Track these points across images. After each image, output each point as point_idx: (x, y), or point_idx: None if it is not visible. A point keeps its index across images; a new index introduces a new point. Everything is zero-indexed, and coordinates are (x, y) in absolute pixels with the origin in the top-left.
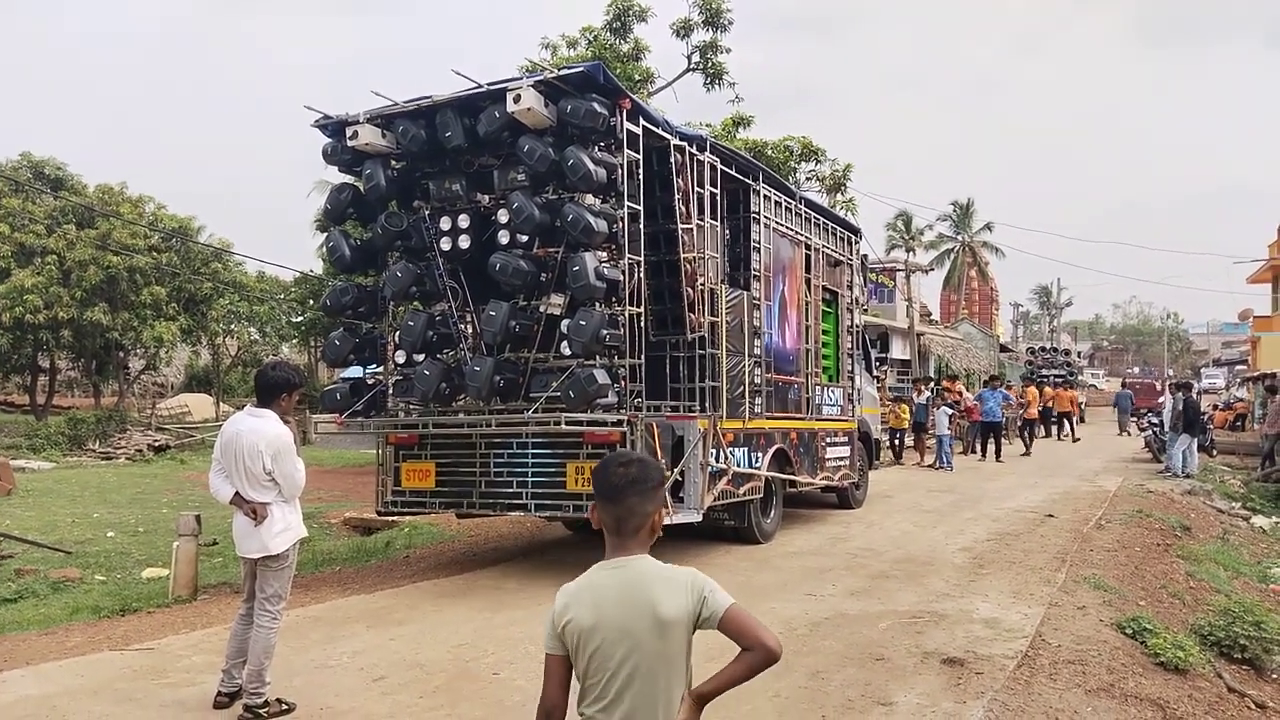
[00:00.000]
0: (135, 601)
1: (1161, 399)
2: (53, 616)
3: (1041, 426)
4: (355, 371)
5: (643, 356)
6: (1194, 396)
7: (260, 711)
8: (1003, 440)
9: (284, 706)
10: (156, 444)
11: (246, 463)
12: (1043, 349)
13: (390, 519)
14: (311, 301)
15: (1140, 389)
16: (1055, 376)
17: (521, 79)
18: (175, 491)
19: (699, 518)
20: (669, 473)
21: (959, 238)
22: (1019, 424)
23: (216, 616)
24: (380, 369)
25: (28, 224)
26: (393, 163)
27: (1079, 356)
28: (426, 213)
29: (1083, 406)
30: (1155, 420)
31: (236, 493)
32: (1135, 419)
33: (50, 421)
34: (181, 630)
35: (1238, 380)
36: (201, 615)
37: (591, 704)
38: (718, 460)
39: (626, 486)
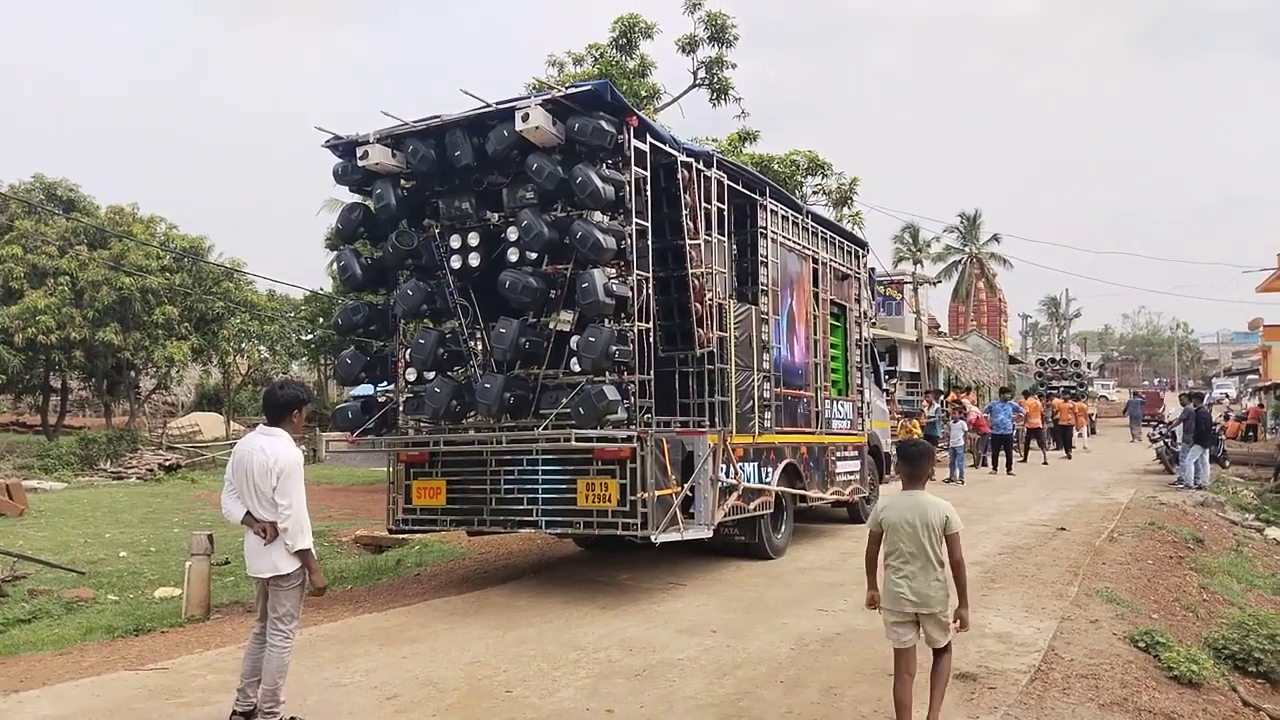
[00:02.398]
0: (148, 621)
1: (1162, 408)
2: (67, 636)
3: (1052, 440)
4: (366, 389)
5: (652, 372)
6: (1205, 408)
7: None
8: (1014, 453)
9: None
10: (167, 463)
11: (257, 482)
12: (1052, 360)
13: (401, 537)
14: (321, 319)
15: (1146, 398)
16: (1065, 388)
17: (529, 98)
18: (186, 511)
19: (710, 533)
20: (680, 488)
21: (966, 249)
22: (1024, 435)
23: (230, 636)
24: (391, 387)
25: (40, 245)
26: (403, 182)
27: (1089, 367)
28: (436, 231)
29: (1093, 418)
30: (1166, 431)
31: (248, 512)
32: (1148, 425)
33: (62, 441)
34: (195, 650)
35: (1249, 390)
36: (215, 634)
37: (890, 559)
38: (728, 475)
39: (919, 457)
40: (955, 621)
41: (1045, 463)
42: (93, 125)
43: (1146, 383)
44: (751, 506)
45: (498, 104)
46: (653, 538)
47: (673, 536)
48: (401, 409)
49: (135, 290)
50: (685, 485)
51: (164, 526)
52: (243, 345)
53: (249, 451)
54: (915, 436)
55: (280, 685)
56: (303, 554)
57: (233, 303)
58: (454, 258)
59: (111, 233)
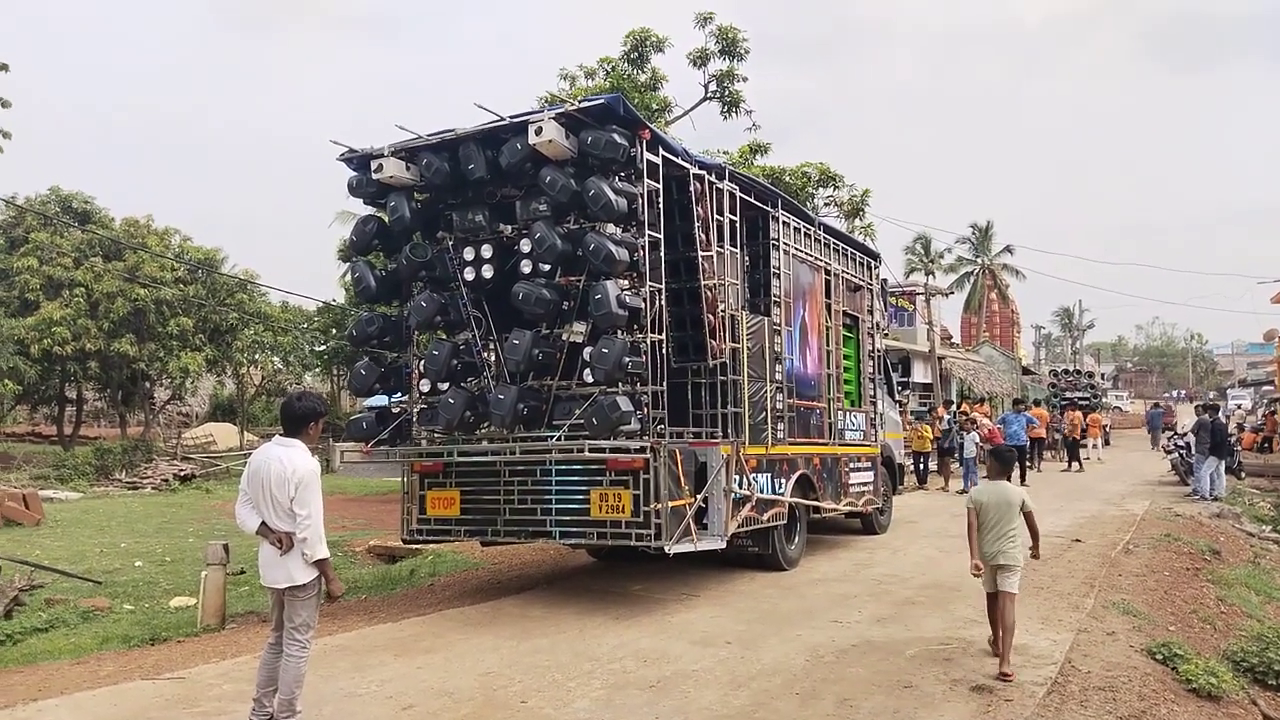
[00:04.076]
0: (164, 631)
1: (1174, 418)
2: (84, 646)
3: (1065, 452)
4: (380, 400)
5: (665, 383)
6: (1221, 419)
7: None
8: (1028, 465)
9: None
10: (182, 473)
11: (274, 492)
12: (1066, 371)
13: (415, 547)
14: (334, 331)
15: (1165, 409)
16: (1079, 399)
17: (542, 111)
18: (201, 521)
19: (723, 544)
20: (693, 499)
21: (978, 260)
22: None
23: (245, 645)
24: (405, 398)
25: (56, 257)
26: (416, 195)
27: (1103, 378)
28: (450, 243)
29: (1107, 429)
30: (1181, 443)
31: (263, 523)
32: (1167, 434)
33: (77, 452)
34: (212, 659)
35: (1265, 401)
36: (231, 644)
37: (984, 532)
38: (741, 486)
39: (1009, 460)
40: (1033, 553)
41: (1039, 470)
42: (107, 139)
43: (1166, 395)
44: (765, 518)
45: (511, 117)
46: (666, 548)
47: (686, 547)
48: (416, 420)
49: (150, 301)
50: (698, 496)
51: (179, 536)
52: (256, 356)
53: (266, 462)
54: (926, 439)
55: (297, 695)
56: (321, 564)
57: (246, 314)
58: (467, 270)
59: (126, 245)
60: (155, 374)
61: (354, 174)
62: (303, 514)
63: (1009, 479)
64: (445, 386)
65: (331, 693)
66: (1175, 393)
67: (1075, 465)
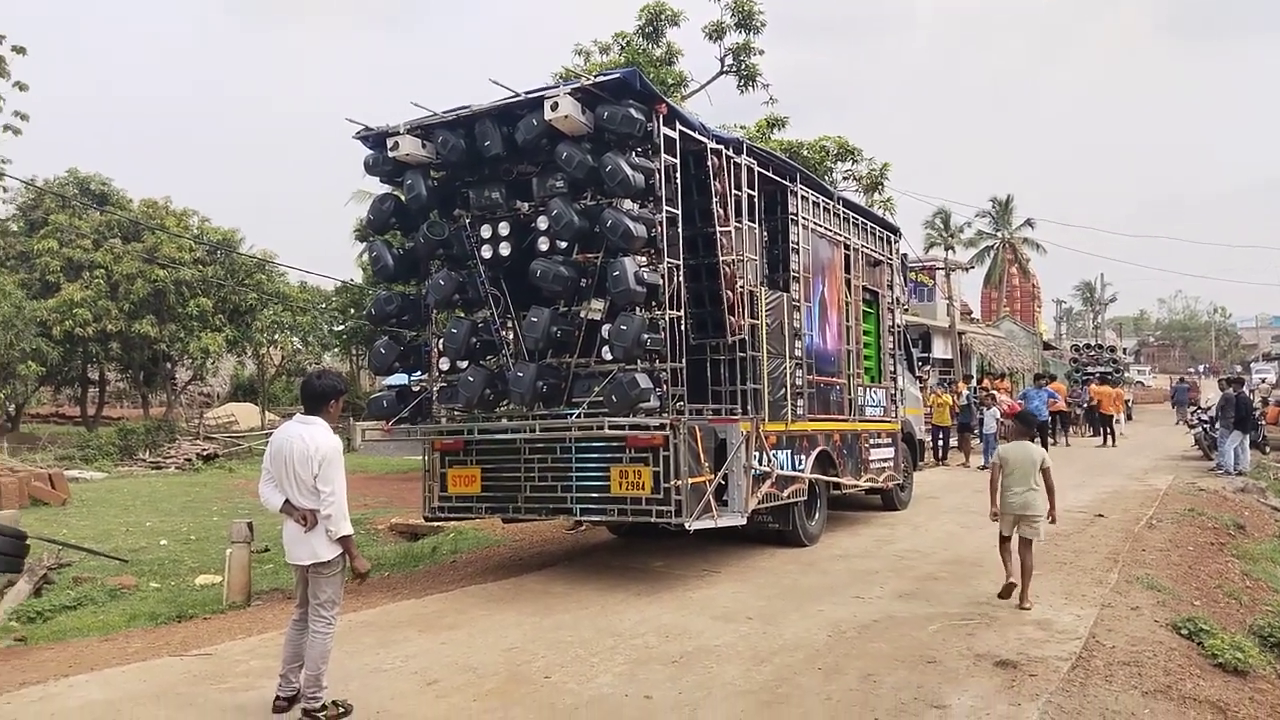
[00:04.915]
0: (191, 608)
1: (1198, 393)
2: (112, 623)
3: (1089, 426)
4: (400, 379)
5: (684, 360)
6: (1245, 393)
7: (319, 714)
8: (1049, 439)
9: (341, 709)
10: (205, 453)
11: (297, 470)
12: (1087, 346)
13: (436, 524)
14: (353, 310)
15: (1190, 384)
16: (1101, 374)
17: (558, 87)
18: (224, 499)
19: (743, 521)
20: (713, 476)
21: (999, 235)
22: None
23: (271, 622)
24: (425, 376)
25: (75, 239)
26: (433, 172)
27: (1124, 353)
28: (467, 221)
29: (1129, 404)
30: (1205, 418)
31: (287, 500)
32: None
33: (101, 432)
34: (238, 636)
35: None
36: (256, 621)
37: (1009, 485)
38: (761, 463)
39: (1030, 423)
40: (1049, 518)
41: (1067, 445)
42: (125, 124)
43: (1191, 370)
44: (785, 494)
45: (527, 93)
46: (686, 525)
47: (706, 524)
48: (435, 398)
49: (169, 283)
50: (718, 473)
51: (203, 515)
52: (276, 336)
53: (288, 439)
54: (946, 409)
55: (323, 671)
56: (344, 540)
57: (265, 294)
58: (485, 247)
59: (145, 225)
60: (176, 354)
61: (370, 152)
62: (326, 491)
63: (1031, 440)
64: (464, 364)
65: (357, 668)
66: (1199, 367)
67: (1110, 441)
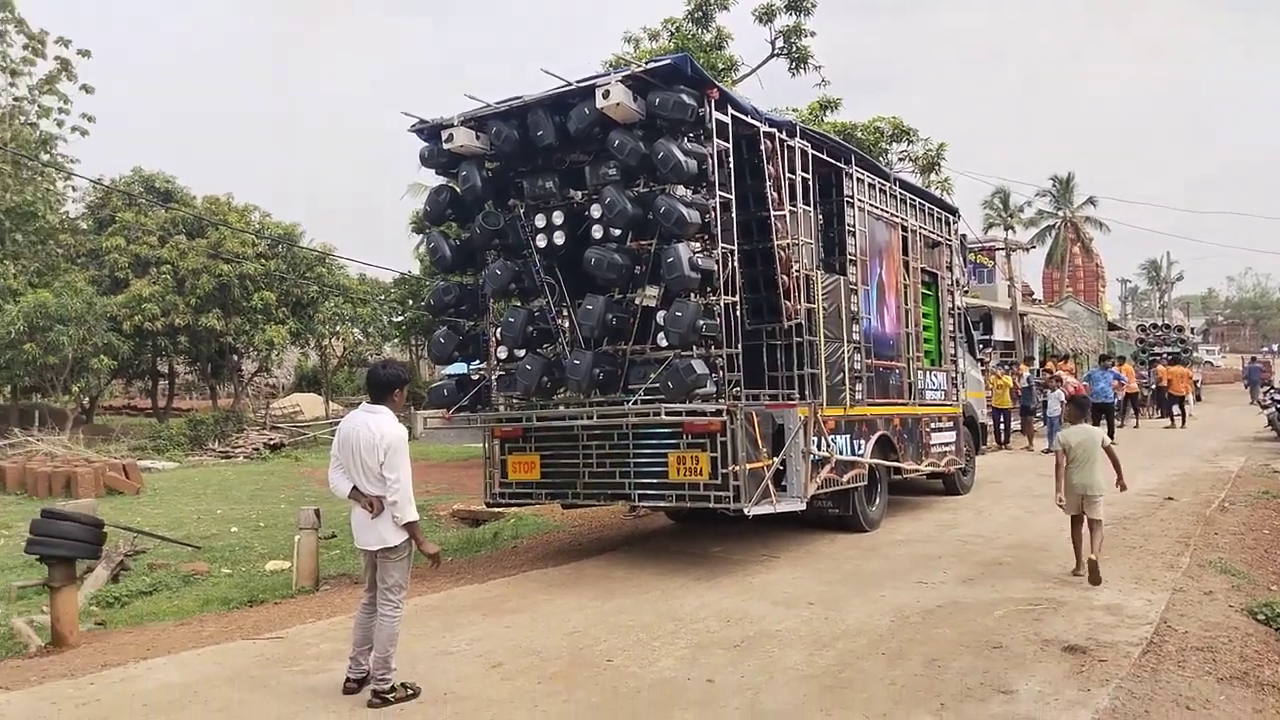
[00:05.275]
0: (262, 593)
1: (1271, 373)
2: (186, 608)
3: (1158, 408)
4: (459, 368)
5: (740, 345)
6: None
7: (388, 696)
8: (1115, 422)
9: (409, 691)
10: (271, 442)
11: (364, 457)
12: (1153, 326)
13: (496, 510)
14: (411, 301)
15: (1260, 363)
16: (1168, 354)
17: (609, 75)
18: (292, 487)
19: (802, 506)
20: (771, 461)
21: (1060, 213)
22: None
23: (339, 606)
24: (483, 365)
25: (142, 236)
26: (487, 163)
27: (1192, 333)
28: (521, 211)
29: (1198, 384)
30: (1278, 397)
31: (354, 487)
32: (1264, 388)
33: (171, 423)
34: (308, 620)
35: None
36: (325, 605)
37: (1072, 466)
38: (819, 448)
39: (1085, 406)
40: (1118, 486)
41: (1136, 426)
42: (186, 120)
43: (1265, 349)
44: (844, 479)
45: (578, 82)
46: (745, 510)
47: (765, 509)
48: (494, 386)
49: (234, 277)
50: (777, 458)
51: (271, 503)
52: (337, 328)
53: (354, 428)
54: (1006, 390)
55: (391, 653)
56: (410, 526)
57: (326, 287)
58: (539, 236)
59: (209, 221)
60: (242, 347)
61: (425, 145)
62: (392, 478)
63: (1086, 421)
64: (522, 353)
65: (424, 651)
66: (1273, 346)
67: (1180, 423)
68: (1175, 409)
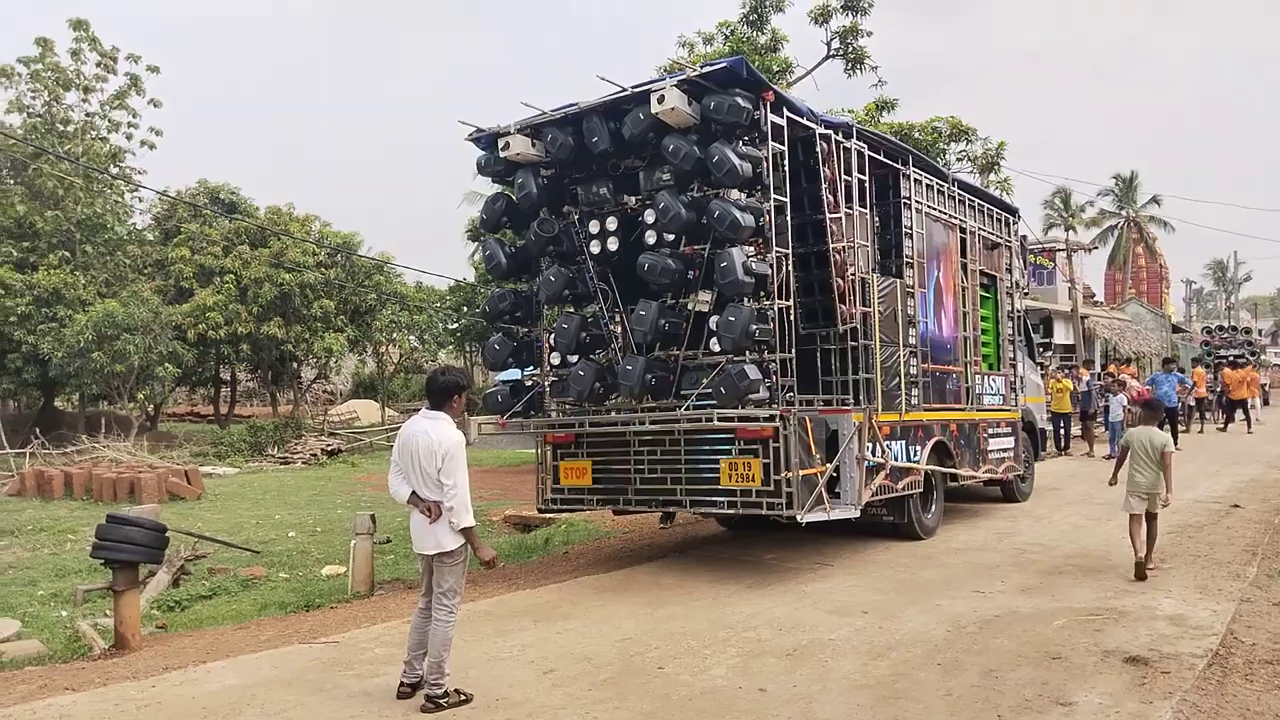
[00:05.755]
0: (318, 597)
1: None
2: (244, 612)
3: (1223, 413)
4: (513, 374)
5: (793, 350)
6: None
7: (441, 701)
8: (1179, 427)
9: (462, 697)
10: (329, 448)
11: (423, 463)
12: (1220, 328)
13: (548, 516)
14: (465, 308)
15: None
16: (1235, 357)
17: (664, 79)
18: (348, 493)
19: (857, 513)
20: (825, 468)
21: (1123, 213)
22: (1189, 405)
23: (394, 611)
24: (537, 371)
25: (206, 246)
26: (542, 170)
27: (1260, 334)
28: (576, 217)
29: (1266, 388)
30: None
31: (413, 492)
32: None
33: (233, 430)
34: (363, 624)
35: None
36: (380, 610)
37: (1133, 462)
38: (874, 454)
39: (1156, 409)
40: (1164, 501)
41: (1201, 431)
42: (249, 133)
43: None
44: (900, 486)
45: (633, 88)
46: (799, 517)
47: (819, 516)
48: (547, 392)
49: (294, 286)
50: (830, 465)
51: (328, 508)
52: (394, 335)
53: (414, 434)
54: (1065, 394)
55: (445, 658)
56: (466, 531)
57: (383, 294)
58: (593, 243)
59: (271, 231)
60: (302, 354)
61: (482, 153)
62: (449, 484)
63: (1155, 425)
64: (575, 359)
65: (477, 656)
66: None
67: (1246, 426)
68: (1238, 413)
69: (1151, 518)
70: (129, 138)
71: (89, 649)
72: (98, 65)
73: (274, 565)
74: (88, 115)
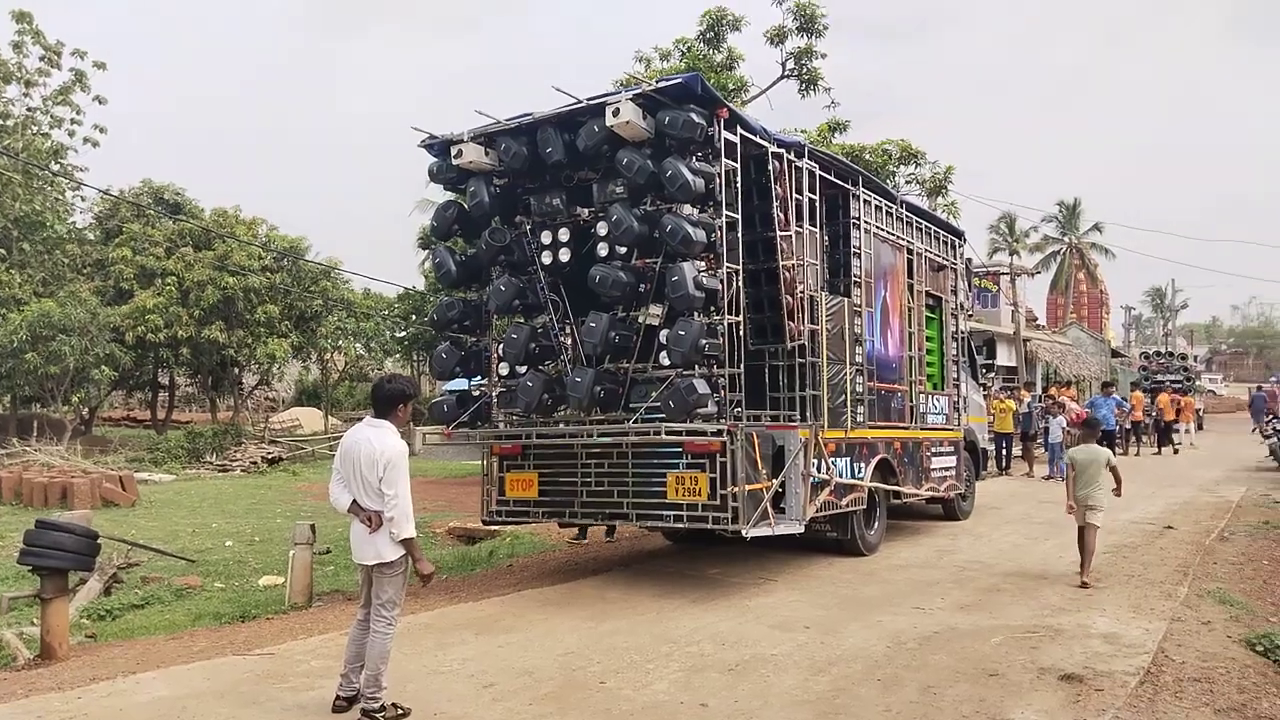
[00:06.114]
0: (254, 608)
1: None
2: (178, 622)
3: (1157, 436)
4: (460, 384)
5: (742, 366)
6: None
7: (377, 715)
8: (1115, 449)
9: (400, 711)
10: (270, 456)
11: (364, 472)
12: (1157, 354)
13: (493, 528)
14: (414, 317)
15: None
16: (1171, 382)
17: (620, 93)
18: (288, 502)
19: (801, 529)
20: (770, 483)
21: (1065, 239)
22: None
23: (332, 623)
24: (485, 381)
25: (149, 247)
26: (495, 179)
27: (1196, 361)
28: (528, 227)
29: (1200, 413)
30: None
31: (354, 501)
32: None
33: (170, 436)
34: (300, 636)
35: None
36: (318, 621)
37: (1079, 481)
38: (819, 471)
39: (1095, 426)
40: (1115, 492)
41: (1138, 454)
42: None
43: (1274, 378)
44: (844, 502)
45: (588, 100)
46: (744, 532)
47: (764, 531)
48: (495, 403)
49: (238, 290)
50: (776, 480)
51: (267, 517)
52: (340, 342)
53: (356, 442)
54: (1008, 415)
55: (383, 671)
56: (407, 542)
57: (330, 301)
58: (545, 253)
59: (216, 234)
60: (244, 360)
61: (434, 160)
62: (390, 493)
63: (1095, 441)
64: (523, 370)
65: (416, 669)
66: (1275, 374)
67: (1170, 449)
68: (1175, 437)
69: (1090, 530)
70: (72, 134)
71: (13, 659)
72: (41, 59)
73: (210, 575)
74: (29, 110)
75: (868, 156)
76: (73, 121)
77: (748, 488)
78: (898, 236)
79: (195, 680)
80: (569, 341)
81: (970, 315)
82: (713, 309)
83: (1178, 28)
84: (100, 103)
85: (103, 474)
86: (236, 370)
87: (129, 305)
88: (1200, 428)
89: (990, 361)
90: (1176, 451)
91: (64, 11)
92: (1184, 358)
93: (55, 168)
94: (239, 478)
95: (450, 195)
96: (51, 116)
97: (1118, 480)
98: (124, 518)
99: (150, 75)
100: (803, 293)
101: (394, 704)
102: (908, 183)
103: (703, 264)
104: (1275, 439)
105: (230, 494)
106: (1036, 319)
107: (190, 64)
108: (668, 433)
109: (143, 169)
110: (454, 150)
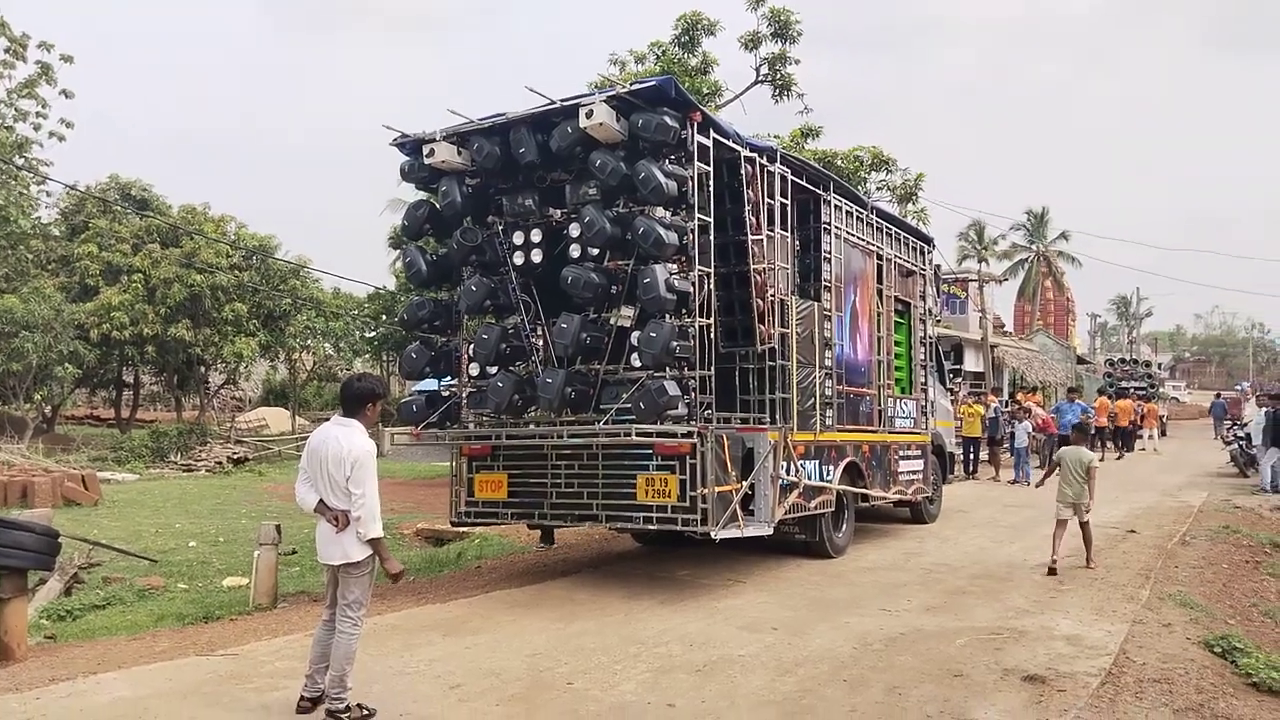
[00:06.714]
0: (218, 609)
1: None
2: (140, 623)
3: (1118, 442)
4: (430, 384)
5: (713, 368)
6: None
7: (342, 716)
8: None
9: (365, 712)
10: (235, 456)
11: (331, 471)
12: (1122, 361)
13: (461, 530)
14: (384, 316)
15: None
16: (1135, 389)
17: (594, 95)
18: (253, 502)
19: (770, 531)
20: (740, 485)
21: (1033, 247)
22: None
23: (297, 624)
24: (454, 381)
25: (115, 243)
26: (468, 179)
27: (1159, 368)
28: (500, 228)
29: (1164, 419)
30: (1240, 434)
31: (321, 500)
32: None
33: (134, 434)
34: (264, 636)
35: None
36: (283, 622)
37: (1062, 479)
38: (788, 473)
39: (1085, 430)
40: (1087, 505)
41: (1102, 459)
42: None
43: (1237, 386)
44: (812, 505)
45: (562, 101)
46: (713, 534)
47: (733, 533)
48: (464, 403)
49: (206, 287)
50: (745, 482)
51: (232, 517)
52: (308, 342)
53: (324, 441)
54: (976, 419)
55: (348, 672)
56: (375, 542)
57: (299, 300)
58: (517, 254)
59: (184, 230)
60: (210, 359)
61: (406, 159)
62: (358, 493)
63: (1084, 444)
64: (494, 370)
65: (381, 670)
66: (1242, 384)
67: (1127, 453)
68: (1123, 441)
69: (1084, 524)
70: (37, 128)
71: None
72: (5, 51)
73: (173, 575)
74: None
75: (839, 162)
76: (38, 115)
77: (717, 489)
78: (868, 242)
79: (157, 681)
80: (540, 342)
81: (938, 321)
82: (684, 311)
83: (1154, 42)
84: (67, 96)
85: (65, 473)
86: (203, 369)
87: (94, 302)
88: (1164, 434)
89: (958, 367)
90: (1130, 450)
91: (30, 5)
92: (1148, 365)
93: (19, 161)
94: (204, 478)
95: (422, 194)
96: (16, 110)
97: (1091, 490)
98: (86, 517)
99: (118, 74)
100: (773, 296)
101: (359, 704)
102: (878, 189)
103: (674, 266)
104: (1235, 445)
105: (195, 494)
106: (1004, 325)
107: (163, 64)
108: (638, 434)
109: (110, 166)
110: (426, 149)
